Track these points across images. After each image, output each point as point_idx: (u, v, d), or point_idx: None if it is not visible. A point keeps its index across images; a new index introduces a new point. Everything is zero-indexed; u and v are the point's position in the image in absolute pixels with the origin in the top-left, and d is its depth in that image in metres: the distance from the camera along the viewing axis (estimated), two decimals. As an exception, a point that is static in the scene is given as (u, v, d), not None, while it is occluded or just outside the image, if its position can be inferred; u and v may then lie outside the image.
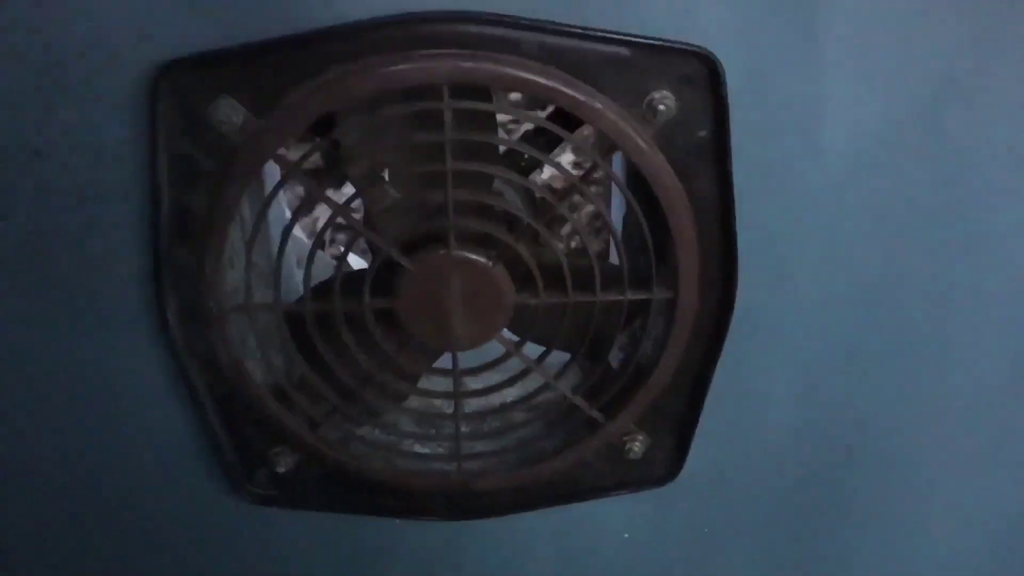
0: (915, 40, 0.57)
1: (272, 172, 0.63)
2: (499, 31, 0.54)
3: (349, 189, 0.65)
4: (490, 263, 0.60)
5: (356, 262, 1.16)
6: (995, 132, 0.61)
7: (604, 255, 1.21)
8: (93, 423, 0.69)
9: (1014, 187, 0.63)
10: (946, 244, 0.65)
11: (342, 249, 0.62)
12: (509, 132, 1.45)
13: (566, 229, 0.61)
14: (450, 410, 0.74)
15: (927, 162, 0.61)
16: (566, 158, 1.39)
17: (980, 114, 0.60)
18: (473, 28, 0.54)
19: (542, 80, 0.55)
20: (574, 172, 0.59)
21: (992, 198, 0.63)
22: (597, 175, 0.62)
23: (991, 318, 0.68)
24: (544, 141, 0.66)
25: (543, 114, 0.68)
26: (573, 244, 1.15)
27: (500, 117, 0.68)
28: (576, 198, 1.03)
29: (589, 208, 0.60)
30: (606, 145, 0.59)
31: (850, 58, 0.57)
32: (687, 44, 0.55)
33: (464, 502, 0.73)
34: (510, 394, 0.74)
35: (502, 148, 0.63)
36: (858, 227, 0.64)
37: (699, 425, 0.69)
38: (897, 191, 0.62)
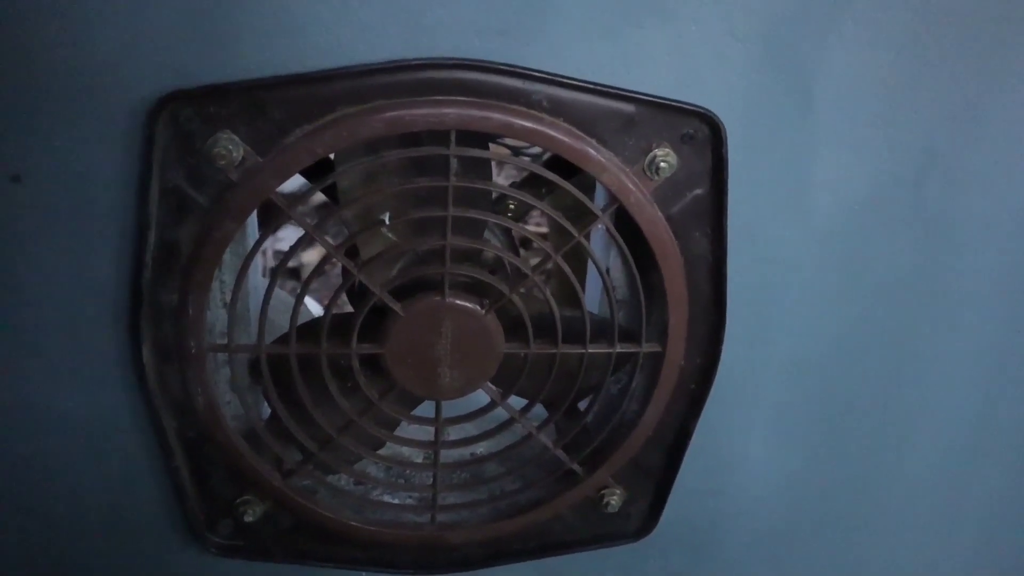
0: (901, 113, 0.59)
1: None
2: (510, 81, 0.54)
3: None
4: (483, 311, 0.60)
5: (315, 308, 1.13)
6: (969, 203, 0.64)
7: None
8: (51, 461, 0.65)
9: (983, 254, 0.66)
10: (918, 306, 0.67)
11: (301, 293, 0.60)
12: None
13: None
14: (420, 459, 0.72)
15: (904, 229, 0.64)
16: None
17: (956, 187, 0.63)
18: (484, 77, 0.54)
19: (550, 132, 0.55)
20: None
21: (962, 263, 0.66)
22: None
23: (958, 377, 0.71)
24: (539, 191, 0.66)
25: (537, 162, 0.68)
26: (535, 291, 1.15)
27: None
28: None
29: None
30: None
31: (841, 127, 0.59)
32: (691, 104, 0.56)
33: (435, 555, 0.71)
34: (481, 446, 0.72)
35: (495, 194, 0.62)
36: (837, 287, 0.65)
37: (676, 480, 0.69)
38: (875, 254, 0.64)
